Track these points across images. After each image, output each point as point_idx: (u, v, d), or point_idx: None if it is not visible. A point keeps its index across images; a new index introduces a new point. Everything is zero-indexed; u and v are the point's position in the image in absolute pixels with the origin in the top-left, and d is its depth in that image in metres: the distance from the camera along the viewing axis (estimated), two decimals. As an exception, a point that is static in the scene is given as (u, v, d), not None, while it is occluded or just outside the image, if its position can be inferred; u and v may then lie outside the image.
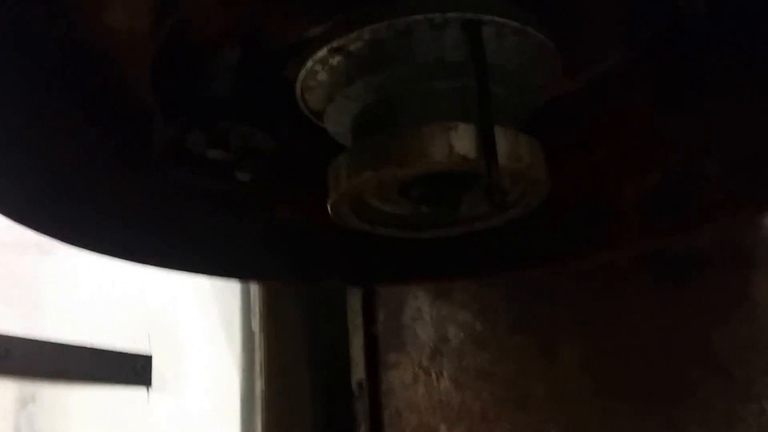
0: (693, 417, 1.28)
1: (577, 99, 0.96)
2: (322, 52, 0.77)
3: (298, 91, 0.83)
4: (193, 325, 1.63)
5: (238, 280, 1.66)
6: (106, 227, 1.04)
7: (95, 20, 0.82)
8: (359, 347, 1.67)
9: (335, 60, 0.78)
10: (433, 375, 1.56)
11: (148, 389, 1.48)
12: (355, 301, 1.70)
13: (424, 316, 1.60)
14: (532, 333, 1.47)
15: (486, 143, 0.69)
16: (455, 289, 1.57)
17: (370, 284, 1.62)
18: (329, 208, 0.79)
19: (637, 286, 1.37)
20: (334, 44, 0.76)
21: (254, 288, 1.73)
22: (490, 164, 0.69)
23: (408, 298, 1.62)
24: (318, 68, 0.79)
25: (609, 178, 1.09)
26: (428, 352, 1.58)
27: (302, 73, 0.80)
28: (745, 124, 0.95)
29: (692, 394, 1.28)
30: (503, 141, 0.71)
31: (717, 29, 0.87)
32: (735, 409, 1.24)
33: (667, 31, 0.87)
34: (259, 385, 1.66)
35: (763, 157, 0.96)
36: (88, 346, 1.40)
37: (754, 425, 1.22)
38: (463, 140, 0.70)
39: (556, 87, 0.87)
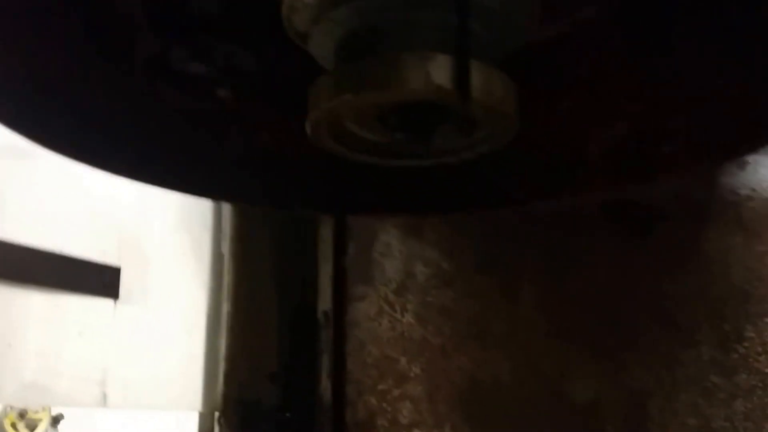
0: (637, 360, 1.35)
1: (553, 46, 0.99)
2: None
3: (284, 12, 0.85)
4: (163, 244, 1.64)
5: (210, 199, 1.67)
6: (84, 134, 1.05)
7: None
8: (327, 278, 1.71)
9: None
10: (398, 309, 1.60)
11: (115, 301, 1.50)
12: (326, 232, 1.73)
13: (393, 251, 1.64)
14: (496, 274, 1.52)
15: (461, 74, 0.73)
16: (426, 227, 1.60)
17: (342, 213, 1.64)
18: (307, 128, 0.82)
19: (598, 236, 1.42)
20: None
21: (226, 211, 1.75)
22: (464, 94, 0.72)
23: (379, 233, 1.66)
24: None
25: (578, 125, 1.12)
26: (394, 287, 1.62)
27: (290, -6, 0.83)
28: (709, 80, 0.99)
29: (639, 339, 1.36)
30: (478, 74, 0.74)
31: None
32: (676, 353, 1.32)
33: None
34: (225, 307, 1.69)
35: (723, 113, 1.00)
36: (58, 252, 1.41)
37: (691, 368, 1.31)
38: (439, 70, 0.73)
39: (533, 31, 0.90)
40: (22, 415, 3.89)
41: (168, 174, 1.16)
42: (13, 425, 3.88)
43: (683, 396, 1.31)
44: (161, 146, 1.12)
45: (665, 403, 1.32)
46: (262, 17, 0.87)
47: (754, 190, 1.32)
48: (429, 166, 0.94)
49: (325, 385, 1.64)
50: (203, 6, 0.86)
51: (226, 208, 1.76)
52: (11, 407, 3.81)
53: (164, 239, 1.65)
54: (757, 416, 1.26)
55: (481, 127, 0.83)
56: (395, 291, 1.61)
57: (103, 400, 1.47)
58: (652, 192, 1.37)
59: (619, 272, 1.39)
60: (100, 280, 1.47)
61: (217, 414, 1.66)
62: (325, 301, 1.69)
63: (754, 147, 1.13)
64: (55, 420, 3.90)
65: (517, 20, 0.85)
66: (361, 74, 0.76)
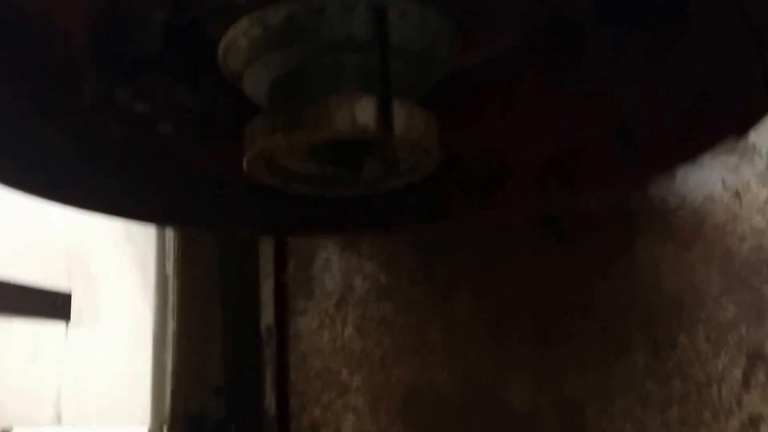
0: (573, 368, 1.39)
1: (476, 73, 1.05)
2: (244, 23, 0.85)
3: (219, 54, 0.90)
4: (110, 266, 1.67)
5: (151, 224, 1.70)
6: (31, 166, 1.07)
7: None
8: (269, 294, 1.73)
9: (255, 31, 0.85)
10: (338, 322, 1.64)
11: (66, 323, 1.53)
12: (267, 249, 1.76)
13: (332, 266, 1.67)
14: (432, 285, 1.56)
15: (384, 115, 0.78)
16: (364, 241, 1.64)
17: (281, 235, 1.68)
18: (245, 166, 0.87)
19: (530, 245, 1.47)
20: (255, 17, 0.85)
21: (170, 234, 1.78)
22: (387, 134, 0.78)
23: (318, 249, 1.69)
24: (239, 36, 0.87)
25: (505, 145, 1.18)
26: (335, 300, 1.65)
27: (224, 39, 0.88)
28: (621, 102, 1.06)
29: (573, 347, 1.39)
30: (400, 113, 0.80)
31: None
32: (611, 361, 1.36)
33: (556, 17, 0.97)
34: (171, 325, 1.72)
35: (638, 131, 1.06)
36: (10, 281, 1.43)
37: (626, 375, 1.34)
38: (364, 111, 0.79)
39: (455, 63, 0.96)
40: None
41: (109, 202, 1.19)
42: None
43: (619, 402, 1.34)
44: (102, 174, 1.15)
45: (601, 410, 1.35)
46: (200, 58, 0.91)
47: (684, 200, 1.36)
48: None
49: (270, 397, 1.67)
50: (145, 48, 0.90)
51: (170, 231, 1.78)
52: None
53: (111, 261, 1.68)
54: (692, 422, 1.29)
55: (404, 160, 0.89)
56: (335, 305, 1.65)
57: (58, 419, 1.50)
58: (581, 202, 1.42)
59: (552, 281, 1.44)
60: (52, 304, 1.50)
61: (165, 429, 1.69)
62: (267, 316, 1.72)
63: (676, 164, 1.18)
64: (4, 437, 3.86)
65: (436, 56, 0.92)
66: (293, 115, 0.82)
